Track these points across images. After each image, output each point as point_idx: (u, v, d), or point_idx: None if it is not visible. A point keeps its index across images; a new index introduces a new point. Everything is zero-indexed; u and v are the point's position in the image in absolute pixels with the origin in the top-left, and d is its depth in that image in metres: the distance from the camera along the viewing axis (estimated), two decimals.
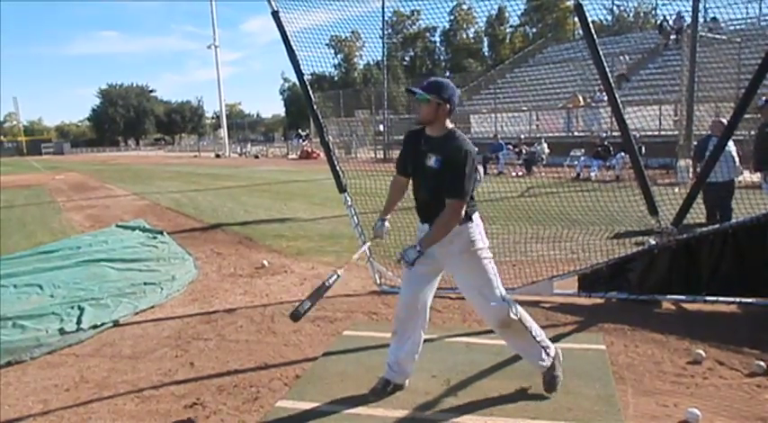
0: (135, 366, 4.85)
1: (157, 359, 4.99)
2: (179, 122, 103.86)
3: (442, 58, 74.85)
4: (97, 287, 6.98)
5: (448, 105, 3.73)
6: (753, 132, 9.88)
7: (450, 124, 3.82)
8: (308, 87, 6.63)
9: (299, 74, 6.56)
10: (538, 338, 3.97)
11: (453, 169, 3.67)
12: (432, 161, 3.74)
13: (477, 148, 3.84)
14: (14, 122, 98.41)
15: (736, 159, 8.28)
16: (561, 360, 4.09)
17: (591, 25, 5.25)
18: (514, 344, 4.05)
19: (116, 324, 5.93)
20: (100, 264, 8.12)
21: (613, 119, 5.62)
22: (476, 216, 3.90)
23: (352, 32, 37.88)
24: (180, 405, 4.12)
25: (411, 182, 4.06)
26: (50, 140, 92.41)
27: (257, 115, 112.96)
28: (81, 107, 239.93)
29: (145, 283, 7.14)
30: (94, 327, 5.77)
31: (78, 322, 5.81)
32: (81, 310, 6.12)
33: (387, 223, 4.35)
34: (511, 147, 22.37)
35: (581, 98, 25.97)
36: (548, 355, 3.99)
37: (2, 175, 31.84)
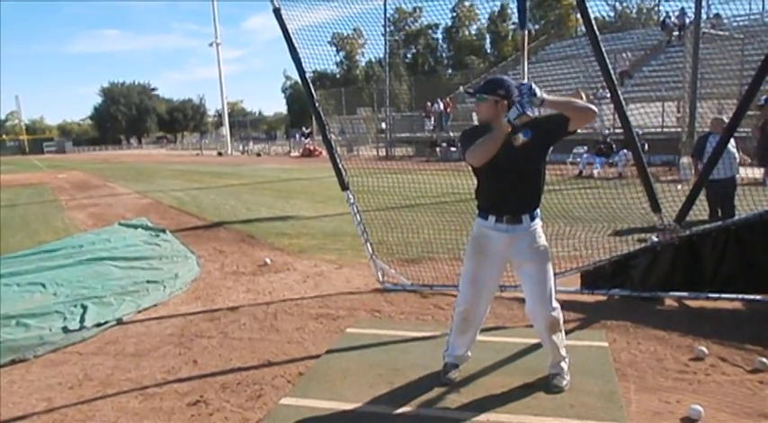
0: (138, 364, 4.86)
1: (161, 357, 5.01)
2: (181, 120, 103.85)
3: (444, 55, 74.76)
4: (100, 285, 6.99)
5: (506, 101, 3.73)
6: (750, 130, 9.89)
7: None
8: (310, 85, 6.62)
9: (301, 71, 6.55)
10: (565, 343, 4.08)
11: (548, 118, 3.72)
12: (520, 137, 3.60)
13: None
14: (16, 121, 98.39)
15: (737, 156, 8.28)
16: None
17: (593, 22, 5.24)
18: (548, 343, 4.05)
19: (119, 322, 5.94)
20: (103, 262, 8.14)
21: (616, 116, 5.62)
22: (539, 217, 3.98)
23: (354, 30, 37.72)
24: (183, 402, 4.13)
25: (481, 178, 3.97)
26: (52, 139, 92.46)
27: (259, 113, 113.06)
28: (83, 105, 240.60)
29: (148, 282, 7.16)
30: (98, 325, 5.78)
31: (81, 320, 5.83)
32: (84, 308, 6.14)
33: None
34: None
35: (583, 95, 25.77)
36: (566, 362, 4.10)
37: (4, 173, 31.89)
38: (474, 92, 3.89)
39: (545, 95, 3.55)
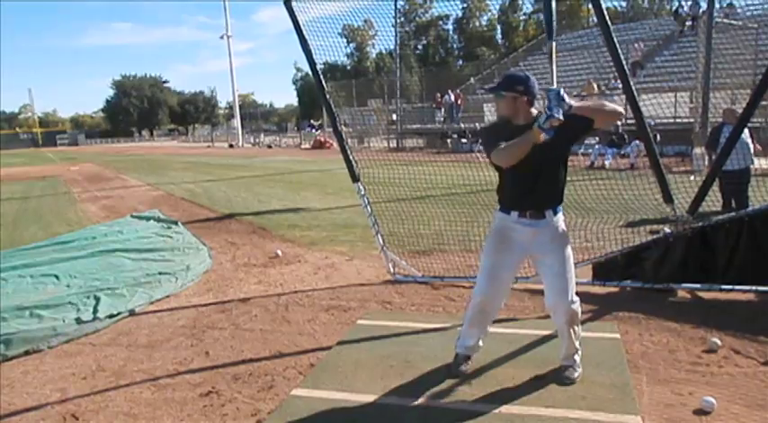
0: (151, 355, 4.90)
1: (173, 348, 5.04)
2: (192, 113, 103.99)
3: (454, 46, 74.33)
4: (113, 277, 7.04)
5: (525, 97, 3.74)
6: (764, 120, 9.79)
7: (534, 110, 3.80)
8: (321, 77, 6.61)
9: (312, 63, 6.54)
10: (580, 337, 4.08)
11: (572, 117, 3.58)
12: (543, 135, 3.50)
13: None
14: (29, 114, 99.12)
15: (751, 147, 8.20)
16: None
17: (605, 12, 5.19)
18: (567, 337, 4.03)
19: (132, 313, 5.98)
20: (115, 254, 8.20)
21: (628, 106, 5.56)
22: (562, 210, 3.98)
23: (365, 21, 37.54)
24: (195, 393, 4.16)
25: (504, 175, 3.91)
26: (65, 132, 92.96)
27: (270, 105, 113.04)
28: (95, 98, 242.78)
29: (160, 273, 7.19)
30: (111, 316, 5.82)
31: (95, 312, 5.87)
32: (97, 299, 6.18)
33: None
34: None
35: (595, 86, 25.72)
36: (579, 355, 4.10)
37: (18, 166, 32.10)
38: (492, 89, 3.89)
39: (573, 102, 3.56)
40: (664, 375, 4.11)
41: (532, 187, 3.81)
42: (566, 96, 3.48)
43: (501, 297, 4.17)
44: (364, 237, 8.72)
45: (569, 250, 3.96)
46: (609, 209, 7.43)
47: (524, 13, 68.20)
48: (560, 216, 3.95)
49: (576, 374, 4.03)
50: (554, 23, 3.85)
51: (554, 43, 3.88)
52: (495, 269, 4.02)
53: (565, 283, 3.89)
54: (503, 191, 4.00)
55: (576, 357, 4.08)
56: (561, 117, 3.42)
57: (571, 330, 3.98)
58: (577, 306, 3.93)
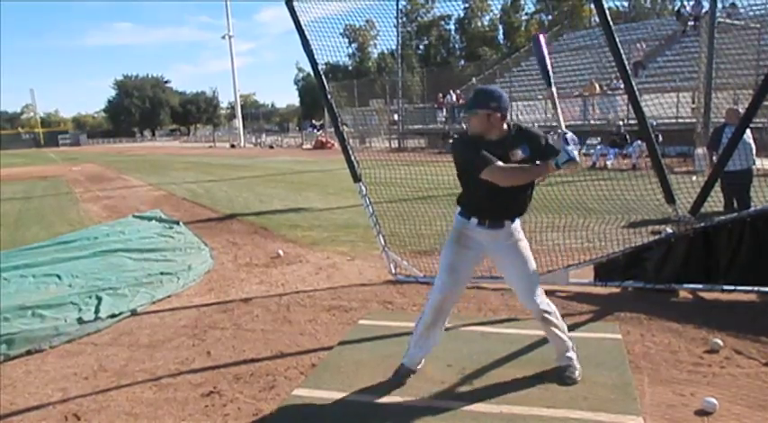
0: (152, 355, 4.90)
1: (174, 348, 5.04)
2: (194, 113, 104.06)
3: (456, 46, 74.28)
4: (114, 277, 7.05)
5: (498, 113, 3.77)
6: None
7: (505, 125, 3.85)
8: (323, 77, 6.62)
9: (314, 63, 6.55)
10: (568, 334, 4.08)
11: (546, 144, 3.78)
12: (519, 153, 3.76)
13: None
14: (31, 114, 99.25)
15: (753, 147, 8.19)
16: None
17: (607, 12, 5.18)
18: (550, 334, 4.08)
19: (133, 313, 5.98)
20: (117, 254, 8.20)
21: (630, 107, 5.56)
22: None
23: (367, 21, 37.68)
24: (197, 393, 4.16)
25: (472, 184, 3.92)
26: (67, 132, 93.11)
27: (272, 105, 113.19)
28: (97, 98, 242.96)
29: (162, 273, 7.20)
30: (112, 316, 5.83)
31: (96, 311, 5.88)
32: (99, 299, 6.19)
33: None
34: None
35: (597, 86, 25.72)
36: (573, 350, 4.08)
37: (20, 166, 32.14)
38: (467, 108, 3.88)
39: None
40: (665, 376, 4.11)
41: (498, 201, 3.86)
42: (576, 138, 3.54)
43: (458, 294, 4.20)
44: (366, 237, 8.72)
45: (527, 252, 4.01)
46: (611, 209, 7.42)
47: (526, 14, 68.20)
48: (518, 221, 4.02)
49: (577, 373, 4.03)
50: (550, 74, 3.87)
51: (554, 89, 3.89)
52: (454, 265, 4.05)
53: (526, 284, 3.97)
54: (466, 198, 4.05)
55: (570, 354, 4.07)
56: (579, 161, 3.50)
57: (551, 328, 4.00)
58: (545, 304, 3.95)
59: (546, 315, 3.95)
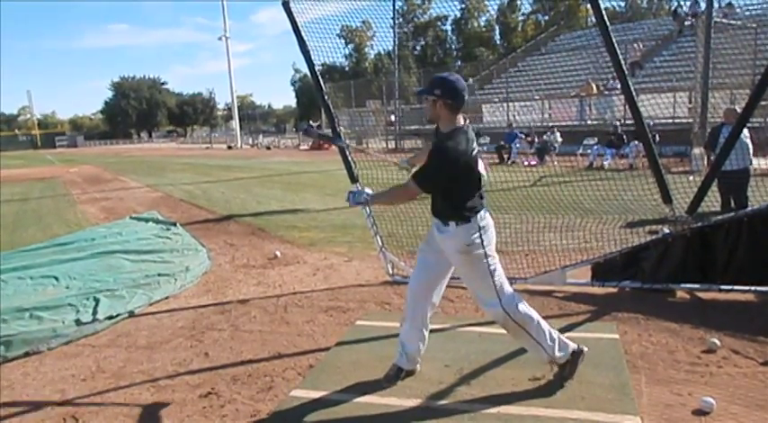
0: (150, 356, 4.90)
1: (172, 349, 5.04)
2: (191, 114, 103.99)
3: (453, 46, 74.30)
4: (112, 278, 7.04)
5: (442, 100, 3.64)
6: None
7: (460, 121, 3.72)
8: (320, 78, 6.61)
9: (310, 64, 6.54)
10: (538, 339, 3.90)
11: (428, 159, 3.72)
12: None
13: (477, 148, 3.75)
14: (28, 116, 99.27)
15: (751, 147, 8.20)
16: (581, 358, 4.04)
17: (604, 12, 5.19)
18: (515, 338, 4.02)
19: (131, 315, 5.98)
20: (114, 255, 8.19)
21: (627, 107, 5.57)
22: (478, 217, 3.77)
23: (363, 22, 37.77)
24: (195, 394, 4.16)
25: None
26: (64, 133, 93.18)
27: (269, 106, 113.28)
28: (94, 100, 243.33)
29: (159, 275, 7.19)
30: (110, 317, 5.82)
31: (94, 313, 5.87)
32: (96, 301, 6.18)
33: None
34: (523, 136, 22.24)
35: (594, 86, 25.77)
36: (549, 352, 3.93)
37: (17, 168, 32.08)
38: (419, 91, 3.93)
39: (370, 200, 4.10)
40: (663, 376, 4.11)
41: (434, 200, 3.89)
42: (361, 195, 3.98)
43: (430, 290, 4.09)
44: (363, 238, 8.73)
45: (478, 260, 3.78)
46: (608, 209, 7.44)
47: (523, 14, 68.24)
48: (466, 226, 3.73)
49: (565, 373, 3.99)
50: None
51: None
52: (424, 259, 4.09)
53: (476, 290, 3.96)
54: None
55: (545, 354, 3.93)
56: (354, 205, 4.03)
57: (516, 334, 3.92)
58: (499, 310, 3.81)
59: (503, 319, 3.84)
